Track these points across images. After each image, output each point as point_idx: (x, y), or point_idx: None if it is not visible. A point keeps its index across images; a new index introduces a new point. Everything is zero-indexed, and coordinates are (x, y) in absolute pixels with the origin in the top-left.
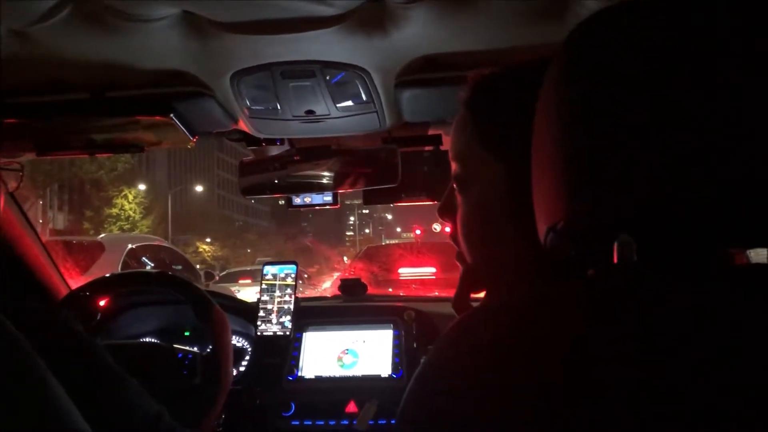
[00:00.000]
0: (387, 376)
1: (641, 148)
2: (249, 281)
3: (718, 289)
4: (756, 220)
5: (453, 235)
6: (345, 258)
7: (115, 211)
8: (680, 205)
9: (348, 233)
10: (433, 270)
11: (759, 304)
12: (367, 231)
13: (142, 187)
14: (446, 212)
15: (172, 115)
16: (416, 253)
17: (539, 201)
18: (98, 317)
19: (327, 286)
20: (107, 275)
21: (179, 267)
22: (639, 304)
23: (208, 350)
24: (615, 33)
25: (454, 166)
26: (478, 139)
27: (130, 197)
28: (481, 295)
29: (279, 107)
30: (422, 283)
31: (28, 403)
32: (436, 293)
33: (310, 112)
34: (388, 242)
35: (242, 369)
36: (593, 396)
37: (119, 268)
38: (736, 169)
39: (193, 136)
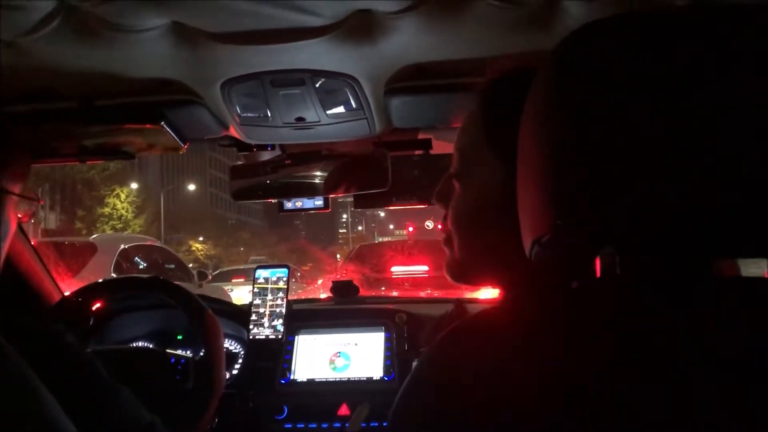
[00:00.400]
0: (379, 378)
1: (628, 162)
2: (242, 280)
3: (698, 303)
4: (738, 231)
5: (444, 219)
6: (338, 256)
7: (107, 210)
8: (663, 218)
9: (341, 230)
10: (425, 268)
11: (739, 320)
12: (359, 228)
13: (134, 186)
14: (441, 198)
15: (162, 123)
16: (409, 251)
17: (524, 213)
18: (91, 322)
19: (321, 283)
20: (99, 281)
21: (172, 266)
22: (620, 319)
23: (201, 354)
24: (606, 45)
25: (455, 156)
26: (485, 136)
27: (123, 196)
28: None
29: (269, 114)
30: (415, 281)
31: (20, 415)
32: (429, 291)
33: (300, 119)
34: (380, 240)
35: (235, 372)
36: (572, 405)
37: (112, 269)
38: (720, 182)
39: (184, 143)
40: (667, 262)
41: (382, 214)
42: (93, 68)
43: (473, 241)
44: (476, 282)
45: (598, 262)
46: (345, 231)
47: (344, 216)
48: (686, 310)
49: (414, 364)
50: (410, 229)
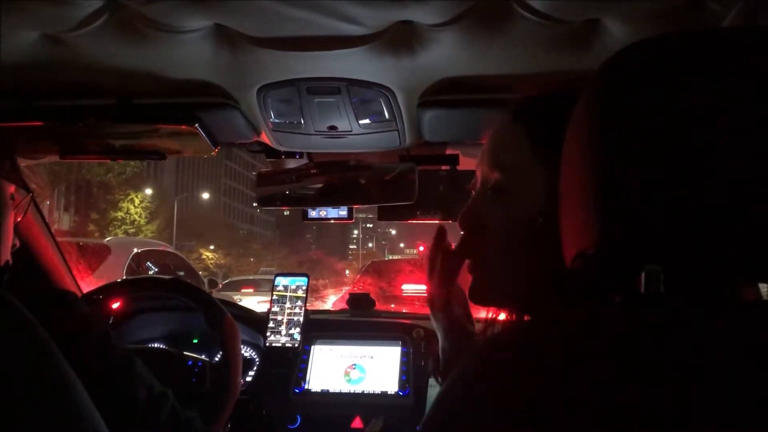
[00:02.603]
0: (393, 393)
1: (677, 177)
2: (251, 290)
3: (743, 324)
4: None
5: (470, 245)
6: (347, 271)
7: (120, 214)
8: (711, 237)
9: (351, 246)
10: None
11: None
12: (370, 245)
13: (148, 191)
14: (475, 218)
15: (196, 125)
16: (420, 269)
17: (568, 225)
18: (110, 321)
19: (332, 299)
20: (120, 280)
21: (182, 273)
22: (664, 336)
23: (217, 358)
24: (655, 63)
25: (495, 174)
26: (532, 152)
27: (137, 201)
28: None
29: (302, 122)
30: (425, 299)
31: (54, 403)
32: None
33: (332, 127)
34: (391, 257)
35: (249, 379)
36: (612, 424)
37: (124, 272)
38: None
39: (216, 146)
40: (711, 282)
41: (393, 232)
42: (134, 67)
43: (515, 259)
44: (504, 304)
45: (642, 277)
46: (355, 247)
47: (355, 232)
48: (727, 330)
49: (430, 379)
50: (421, 248)
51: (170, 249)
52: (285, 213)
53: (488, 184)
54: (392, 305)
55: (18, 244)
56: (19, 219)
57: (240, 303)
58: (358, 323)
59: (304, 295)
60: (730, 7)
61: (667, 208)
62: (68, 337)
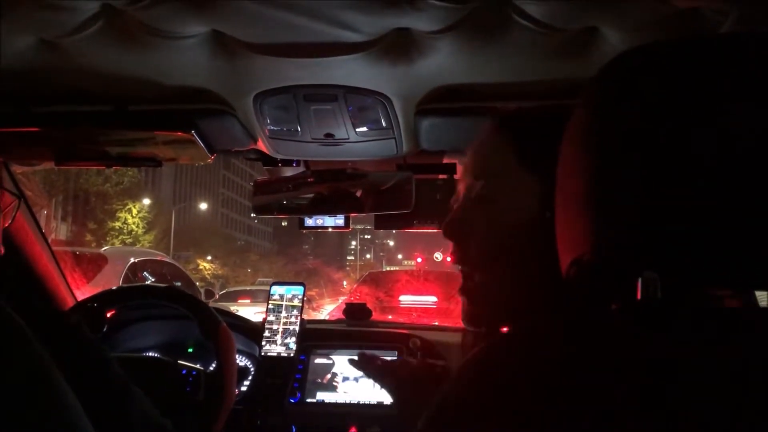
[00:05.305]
0: (389, 403)
1: (673, 185)
2: (248, 301)
3: (741, 331)
4: None
5: (458, 255)
6: (345, 283)
7: (118, 224)
8: (708, 244)
9: (349, 258)
10: (434, 299)
11: None
12: (368, 256)
13: (146, 201)
14: (461, 227)
15: (193, 131)
16: (418, 280)
17: (563, 232)
18: (104, 329)
19: (329, 310)
20: (115, 288)
21: (179, 283)
22: (662, 344)
23: (212, 368)
24: (650, 70)
25: (478, 183)
26: (517, 161)
27: (134, 211)
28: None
29: (299, 129)
30: (422, 311)
31: (43, 412)
32: (436, 323)
33: (329, 135)
34: (389, 269)
35: (244, 389)
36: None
37: (120, 281)
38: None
39: (212, 154)
40: (707, 289)
41: (392, 243)
42: (130, 73)
43: (503, 268)
44: (499, 320)
45: (639, 285)
46: (353, 258)
47: (353, 243)
48: (721, 338)
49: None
50: (419, 260)
51: (167, 259)
52: (283, 224)
53: (471, 194)
54: (389, 316)
55: (2, 251)
56: (6, 224)
57: (236, 313)
58: (354, 333)
59: (300, 305)
60: (727, 15)
61: (663, 216)
62: (66, 362)
